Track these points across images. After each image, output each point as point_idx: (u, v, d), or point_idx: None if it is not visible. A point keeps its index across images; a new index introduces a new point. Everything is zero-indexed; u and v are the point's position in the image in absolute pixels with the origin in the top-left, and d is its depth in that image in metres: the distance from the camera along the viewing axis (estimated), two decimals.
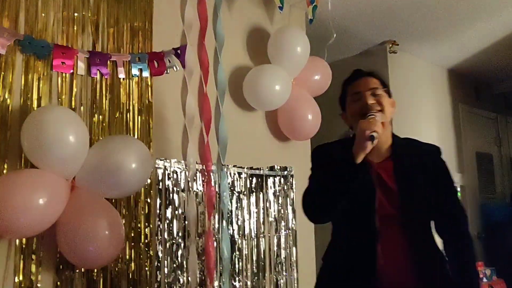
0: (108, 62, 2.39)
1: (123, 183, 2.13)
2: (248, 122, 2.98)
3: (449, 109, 4.95)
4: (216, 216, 2.69)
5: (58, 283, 2.10)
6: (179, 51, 2.68)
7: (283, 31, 2.95)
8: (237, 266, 2.75)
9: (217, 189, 2.71)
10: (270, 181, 3.00)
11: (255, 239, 2.86)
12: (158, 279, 2.39)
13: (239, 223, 2.80)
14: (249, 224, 2.84)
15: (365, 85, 1.75)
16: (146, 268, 2.35)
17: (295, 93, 2.97)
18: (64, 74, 2.24)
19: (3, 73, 2.07)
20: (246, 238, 2.81)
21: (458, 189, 4.74)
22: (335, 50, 4.07)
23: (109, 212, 2.10)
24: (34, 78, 2.15)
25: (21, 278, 2.00)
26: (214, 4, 2.90)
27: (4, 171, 2.02)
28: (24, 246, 2.03)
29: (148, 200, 2.42)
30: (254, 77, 2.84)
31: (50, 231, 1.99)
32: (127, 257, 2.30)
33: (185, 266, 2.50)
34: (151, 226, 2.41)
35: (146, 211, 2.40)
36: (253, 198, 2.89)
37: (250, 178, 2.91)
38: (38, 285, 2.04)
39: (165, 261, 2.43)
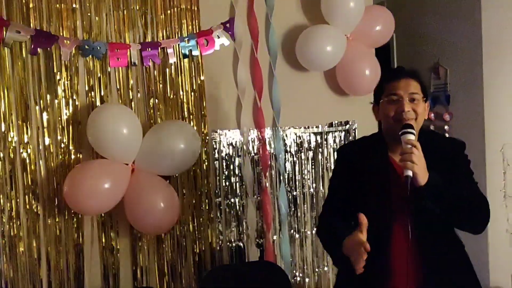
0: (159, 49, 2.64)
1: (174, 163, 2.48)
2: (305, 82, 3.04)
3: None
4: (273, 176, 2.94)
5: (133, 243, 2.61)
6: (227, 25, 2.81)
7: None
8: (297, 220, 3.02)
9: (273, 151, 2.94)
10: (330, 137, 3.11)
11: (314, 194, 3.07)
12: (220, 237, 2.79)
13: (297, 180, 3.02)
14: (308, 181, 3.05)
15: (405, 88, 1.71)
16: (208, 227, 2.75)
17: (351, 49, 2.93)
18: (120, 68, 2.57)
19: (69, 76, 2.47)
20: (304, 194, 3.04)
21: None
22: None
23: (164, 189, 2.49)
24: (95, 76, 2.52)
25: (104, 243, 2.55)
26: None
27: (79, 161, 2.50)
28: (103, 219, 2.55)
29: (205, 168, 2.75)
30: (304, 41, 2.86)
31: (121, 206, 2.45)
32: (190, 219, 2.72)
33: (244, 222, 2.85)
34: (209, 190, 2.76)
35: (205, 179, 2.75)
36: (310, 156, 3.06)
37: (308, 137, 3.05)
38: (118, 247, 2.58)
39: (225, 219, 2.81)
